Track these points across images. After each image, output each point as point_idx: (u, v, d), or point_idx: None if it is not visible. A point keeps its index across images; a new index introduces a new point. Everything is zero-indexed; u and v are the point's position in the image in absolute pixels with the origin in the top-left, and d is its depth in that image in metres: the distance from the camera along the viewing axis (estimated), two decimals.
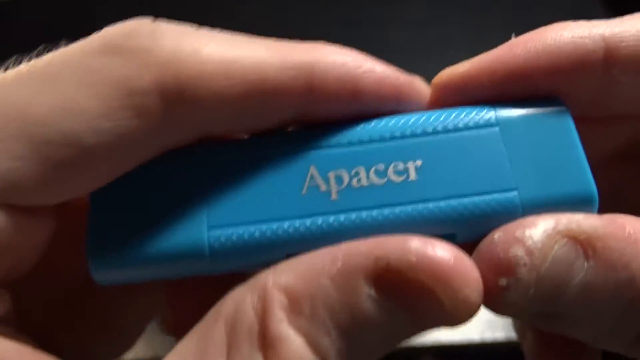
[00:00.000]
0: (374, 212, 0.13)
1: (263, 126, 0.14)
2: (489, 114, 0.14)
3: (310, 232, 0.13)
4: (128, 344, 0.19)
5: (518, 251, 0.12)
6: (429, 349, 0.39)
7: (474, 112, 0.14)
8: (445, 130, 0.14)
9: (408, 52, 0.61)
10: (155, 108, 0.12)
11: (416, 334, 0.12)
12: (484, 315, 0.40)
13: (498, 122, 0.14)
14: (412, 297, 0.12)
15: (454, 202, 0.13)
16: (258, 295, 0.12)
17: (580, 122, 0.15)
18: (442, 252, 0.12)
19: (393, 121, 0.14)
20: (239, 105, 0.13)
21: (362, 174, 0.13)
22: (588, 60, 0.14)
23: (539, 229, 0.13)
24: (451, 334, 0.39)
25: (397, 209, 0.13)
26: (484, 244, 0.13)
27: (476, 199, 0.13)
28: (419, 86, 0.15)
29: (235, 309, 0.12)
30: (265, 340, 0.11)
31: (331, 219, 0.13)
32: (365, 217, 0.13)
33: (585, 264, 0.13)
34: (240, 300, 0.12)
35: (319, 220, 0.13)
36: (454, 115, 0.14)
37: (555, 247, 0.13)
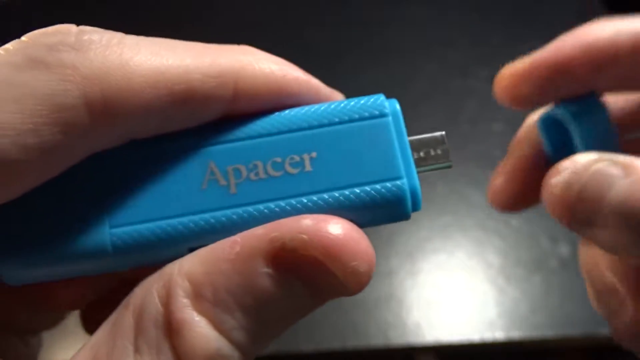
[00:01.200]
0: (272, 204, 0.13)
1: (189, 126, 0.14)
2: (381, 103, 0.15)
3: (210, 225, 0.13)
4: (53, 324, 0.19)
5: (567, 163, 0.17)
6: (429, 349, 0.39)
7: (368, 102, 0.15)
8: (341, 122, 0.14)
9: (408, 52, 0.61)
10: (81, 122, 0.12)
11: (318, 305, 0.13)
12: (483, 315, 0.40)
13: (390, 112, 0.14)
14: (307, 272, 0.12)
15: (346, 192, 0.14)
16: (163, 284, 0.12)
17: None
18: (331, 227, 0.12)
19: (290, 114, 0.15)
20: (165, 113, 0.13)
21: (260, 167, 0.14)
22: (619, 53, 0.18)
23: (588, 155, 0.17)
24: (451, 334, 0.39)
25: (294, 200, 0.14)
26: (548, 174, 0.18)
27: (367, 187, 0.14)
28: (335, 95, 0.17)
29: (142, 297, 0.13)
30: (171, 326, 0.12)
31: (230, 212, 0.13)
32: (263, 209, 0.13)
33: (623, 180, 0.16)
34: (148, 288, 0.13)
35: (219, 214, 0.13)
36: (348, 106, 0.15)
37: (600, 163, 0.17)
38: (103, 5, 0.67)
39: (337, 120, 0.14)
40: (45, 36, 0.12)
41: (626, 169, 0.17)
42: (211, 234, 0.13)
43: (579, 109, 0.18)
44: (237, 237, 0.13)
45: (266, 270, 0.12)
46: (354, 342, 0.39)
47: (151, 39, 0.13)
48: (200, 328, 0.12)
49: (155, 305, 0.12)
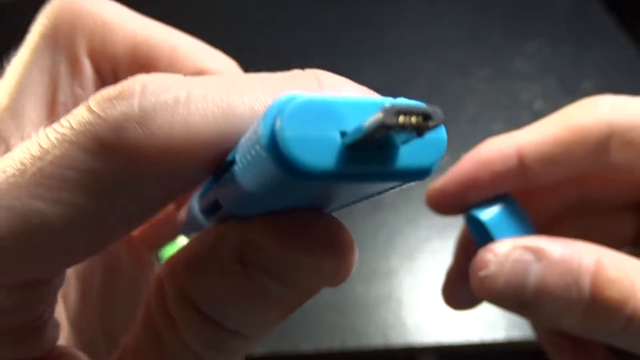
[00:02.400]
0: None
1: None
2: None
3: None
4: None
5: (489, 255, 0.20)
6: (429, 349, 0.39)
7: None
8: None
9: (408, 52, 0.61)
10: (150, 199, 0.12)
11: (304, 297, 0.13)
12: (483, 315, 0.39)
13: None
14: (272, 267, 0.12)
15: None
16: (158, 277, 0.13)
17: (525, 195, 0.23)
18: (288, 221, 0.12)
19: None
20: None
21: None
22: (508, 164, 0.22)
23: (504, 244, 0.20)
24: (451, 334, 0.39)
25: None
26: (473, 259, 0.20)
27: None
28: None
29: (154, 307, 0.13)
30: (170, 318, 0.13)
31: None
32: None
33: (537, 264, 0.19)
34: (154, 280, 0.14)
35: None
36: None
37: (515, 252, 0.20)
38: None
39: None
40: (110, 105, 0.11)
41: (537, 253, 0.20)
42: None
43: (487, 208, 0.23)
44: (211, 231, 0.13)
45: (235, 267, 0.12)
46: (354, 342, 0.39)
47: (216, 80, 0.12)
48: (194, 322, 0.13)
49: (152, 298, 0.13)
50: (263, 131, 0.09)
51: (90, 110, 0.11)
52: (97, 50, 0.17)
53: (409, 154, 0.10)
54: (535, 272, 0.19)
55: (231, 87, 0.12)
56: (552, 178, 0.23)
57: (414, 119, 0.09)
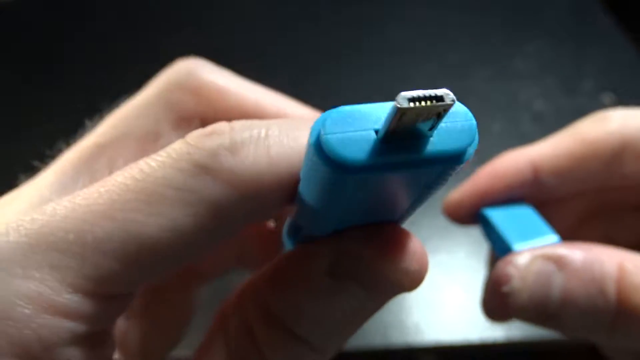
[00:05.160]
0: None
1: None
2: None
3: None
4: (178, 338, 0.22)
5: (510, 269, 0.20)
6: (429, 349, 0.39)
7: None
8: None
9: (408, 52, 0.61)
10: (236, 218, 0.13)
11: (379, 306, 0.15)
12: (483, 315, 0.39)
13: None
14: (361, 275, 0.14)
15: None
16: (241, 298, 0.15)
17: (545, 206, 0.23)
18: (379, 234, 0.14)
19: None
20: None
21: None
22: (523, 178, 0.23)
23: (523, 256, 0.20)
24: (451, 334, 0.39)
25: None
26: (492, 272, 0.20)
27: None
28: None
29: (228, 312, 0.15)
30: (255, 337, 0.14)
31: None
32: None
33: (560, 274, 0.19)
34: (233, 305, 0.15)
35: None
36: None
37: (537, 262, 0.19)
38: (103, 7, 0.67)
39: None
40: (205, 139, 0.13)
41: (558, 262, 0.19)
42: None
43: (497, 208, 0.23)
44: (296, 251, 0.15)
45: (327, 279, 0.14)
46: (354, 342, 0.39)
47: (289, 120, 0.14)
48: (278, 338, 0.14)
49: (230, 315, 0.15)
50: (311, 140, 0.11)
51: (187, 143, 0.13)
52: (211, 114, 0.19)
53: (441, 141, 0.11)
54: (558, 282, 0.19)
55: (301, 125, 0.14)
56: (567, 191, 0.23)
57: (427, 103, 0.10)
